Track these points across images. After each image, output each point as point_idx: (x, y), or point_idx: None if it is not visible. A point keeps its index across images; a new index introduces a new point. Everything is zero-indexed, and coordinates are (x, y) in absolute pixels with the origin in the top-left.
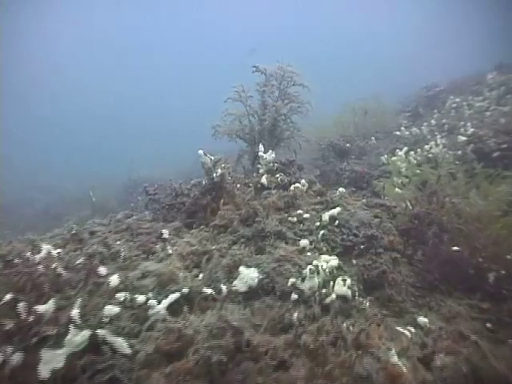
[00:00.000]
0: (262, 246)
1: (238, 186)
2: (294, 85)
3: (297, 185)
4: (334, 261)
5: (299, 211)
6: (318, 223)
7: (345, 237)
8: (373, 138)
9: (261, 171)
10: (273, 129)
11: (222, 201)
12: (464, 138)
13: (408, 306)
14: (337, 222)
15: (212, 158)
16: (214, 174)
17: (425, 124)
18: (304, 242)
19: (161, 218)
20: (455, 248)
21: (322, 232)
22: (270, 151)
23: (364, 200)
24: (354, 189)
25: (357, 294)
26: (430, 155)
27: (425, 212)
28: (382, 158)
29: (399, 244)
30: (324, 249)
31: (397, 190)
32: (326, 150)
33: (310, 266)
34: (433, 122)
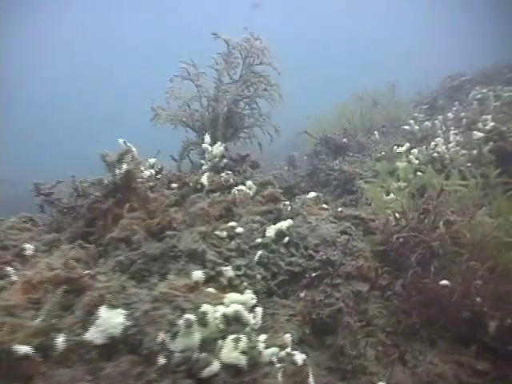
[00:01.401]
0: (163, 271)
1: (166, 185)
2: (260, 63)
3: (241, 187)
4: (236, 305)
5: (232, 223)
6: (260, 239)
7: (294, 259)
8: (376, 132)
9: (204, 168)
10: (229, 115)
11: (127, 206)
12: (481, 135)
13: (367, 364)
14: (287, 238)
15: (132, 148)
16: (118, 171)
17: (439, 117)
18: (197, 275)
19: (54, 226)
20: (445, 282)
21: (260, 253)
22: (219, 143)
23: (339, 209)
24: (340, 193)
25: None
26: (435, 154)
27: (412, 229)
28: (378, 155)
29: (371, 271)
30: (258, 276)
31: (387, 196)
32: (319, 145)
33: (187, 316)
34: (450, 115)
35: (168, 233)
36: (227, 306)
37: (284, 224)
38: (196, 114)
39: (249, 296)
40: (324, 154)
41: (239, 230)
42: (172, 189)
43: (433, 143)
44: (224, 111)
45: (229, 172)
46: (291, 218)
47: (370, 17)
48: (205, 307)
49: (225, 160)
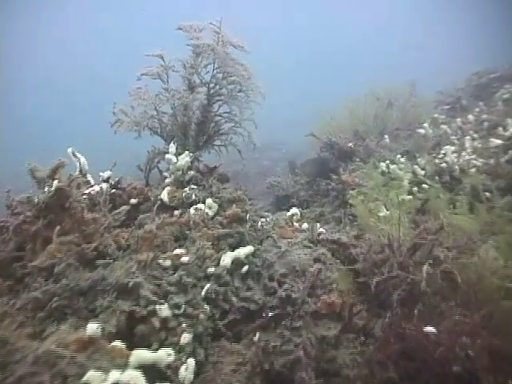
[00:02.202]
0: (91, 308)
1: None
2: (231, 60)
3: (199, 206)
4: (133, 372)
5: (178, 250)
6: (212, 269)
7: (250, 294)
8: (386, 136)
9: (167, 181)
10: (202, 120)
11: (57, 228)
12: (499, 142)
13: None
14: (245, 268)
15: (81, 159)
16: (47, 188)
17: (458, 120)
18: (92, 328)
19: None
20: (430, 329)
21: (207, 286)
22: (185, 153)
23: (319, 229)
24: (339, 205)
25: None
26: (444, 165)
27: (398, 264)
28: (382, 164)
29: (345, 308)
30: (202, 316)
31: (380, 213)
32: (323, 151)
33: None
34: (470, 117)
35: (99, 262)
36: (130, 367)
37: (242, 251)
38: (164, 119)
39: (163, 353)
40: (327, 160)
41: (185, 259)
42: (131, 205)
43: (442, 151)
44: (196, 116)
45: (193, 187)
46: (260, 242)
47: (383, 15)
48: (90, 375)
49: (191, 172)
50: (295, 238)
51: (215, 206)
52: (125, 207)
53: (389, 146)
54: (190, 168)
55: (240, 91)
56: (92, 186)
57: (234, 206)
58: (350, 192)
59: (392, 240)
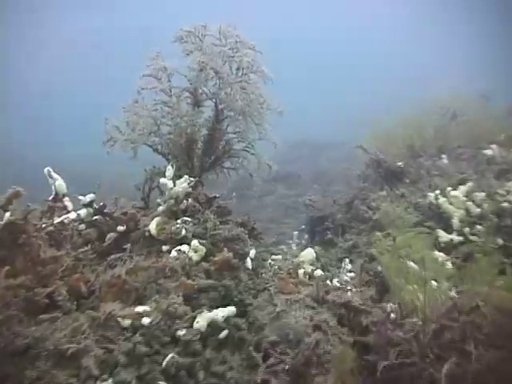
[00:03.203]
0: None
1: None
2: (244, 69)
3: (183, 248)
4: None
5: (141, 308)
6: (182, 332)
7: (223, 369)
8: (443, 155)
9: (159, 209)
10: (210, 139)
11: (5, 269)
12: None
13: None
14: (224, 333)
15: (57, 181)
16: None
17: None
18: None
19: None
20: None
21: (169, 356)
22: (184, 178)
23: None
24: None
25: None
26: (505, 204)
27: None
28: (430, 194)
29: None
30: None
31: (410, 266)
32: (369, 169)
33: None
34: None
35: (43, 317)
36: None
37: (221, 313)
38: (165, 135)
39: None
40: (372, 180)
41: (145, 320)
42: (119, 233)
43: (507, 186)
44: (202, 133)
45: (186, 219)
46: (255, 295)
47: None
48: None
49: (189, 201)
50: (298, 293)
51: (202, 250)
52: (112, 235)
53: (446, 167)
54: (188, 196)
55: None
56: (68, 213)
57: (226, 251)
58: (376, 234)
59: (417, 312)
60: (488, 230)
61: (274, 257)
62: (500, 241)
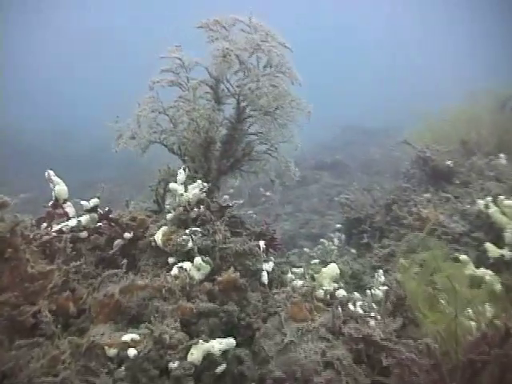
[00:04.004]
0: None
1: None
2: (272, 67)
3: (185, 265)
4: None
5: (128, 336)
6: (174, 365)
7: None
8: (501, 154)
9: (168, 217)
10: (229, 139)
11: None
12: None
13: None
14: (221, 368)
15: (58, 186)
16: None
17: None
18: None
19: None
20: None
21: None
22: (198, 183)
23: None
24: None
25: None
26: None
27: None
28: (480, 201)
29: None
30: None
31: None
32: (414, 166)
33: None
34: None
35: (21, 342)
36: None
37: (218, 345)
38: (180, 134)
39: None
40: (416, 179)
41: (131, 352)
42: (127, 240)
43: None
44: (221, 133)
45: (196, 229)
46: (264, 319)
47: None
48: None
49: (200, 209)
50: (312, 320)
51: (206, 268)
52: (118, 242)
53: (503, 169)
54: (200, 203)
55: (277, 108)
56: (69, 220)
57: (231, 270)
58: (400, 261)
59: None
60: None
61: (294, 270)
62: None
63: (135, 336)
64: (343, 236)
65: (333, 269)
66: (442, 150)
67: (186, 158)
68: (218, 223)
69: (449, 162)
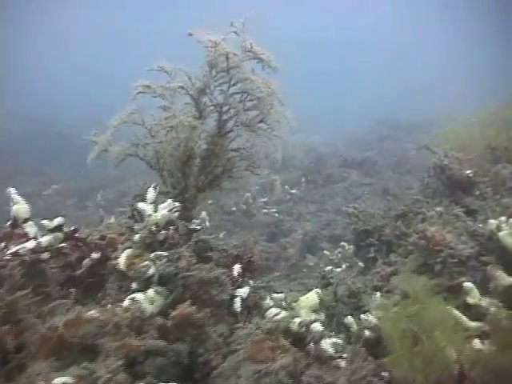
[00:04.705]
0: None
1: None
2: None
3: (138, 297)
4: None
5: (62, 379)
6: None
7: None
8: None
9: (135, 239)
10: (209, 155)
11: None
12: None
13: None
14: None
15: (17, 205)
16: None
17: None
18: None
19: None
20: None
21: None
22: (168, 202)
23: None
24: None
25: None
26: None
27: None
28: (492, 221)
29: None
30: None
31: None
32: (431, 175)
33: None
34: None
35: None
36: None
37: None
38: (158, 146)
39: None
40: (432, 189)
41: None
42: (94, 260)
43: None
44: (200, 148)
45: (161, 254)
46: (223, 358)
47: None
48: None
49: (167, 232)
50: (273, 361)
51: (159, 300)
52: (87, 262)
53: None
54: (171, 224)
55: (261, 121)
56: (28, 241)
57: (187, 303)
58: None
59: None
60: None
61: (274, 295)
62: None
63: (67, 380)
64: (352, 247)
65: (312, 298)
66: (462, 157)
67: (164, 172)
68: (183, 248)
69: (468, 172)
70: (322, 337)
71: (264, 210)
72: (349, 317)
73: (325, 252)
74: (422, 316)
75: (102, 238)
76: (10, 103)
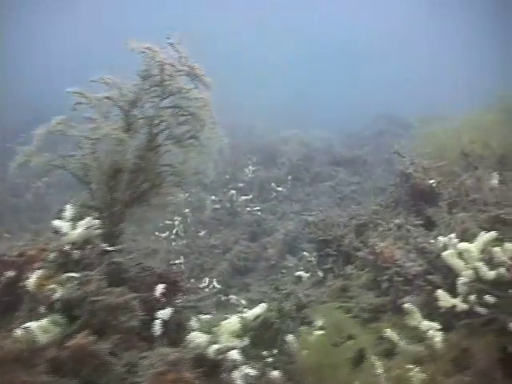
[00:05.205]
0: None
1: None
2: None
3: (32, 325)
4: None
5: None
6: None
7: None
8: (494, 173)
9: (49, 258)
10: (137, 169)
11: None
12: None
13: None
14: None
15: None
16: None
17: None
18: None
19: None
20: None
21: None
22: (87, 220)
23: None
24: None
25: None
26: None
27: None
28: (441, 238)
29: None
30: None
31: None
32: (397, 183)
33: None
34: None
35: None
36: None
37: None
38: (82, 158)
39: None
40: (395, 198)
41: None
42: (9, 278)
43: None
44: (128, 162)
45: (73, 276)
46: None
47: None
48: None
49: (82, 251)
50: None
51: (53, 331)
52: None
53: (495, 191)
54: (87, 243)
55: (193, 137)
56: None
57: (84, 333)
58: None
59: None
60: (500, 303)
61: (201, 316)
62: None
63: None
64: (314, 255)
65: (233, 323)
66: (429, 164)
67: (91, 185)
68: (95, 271)
69: (431, 181)
70: (235, 366)
71: (248, 209)
72: (289, 335)
73: (304, 253)
74: (334, 351)
75: (21, 254)
76: None
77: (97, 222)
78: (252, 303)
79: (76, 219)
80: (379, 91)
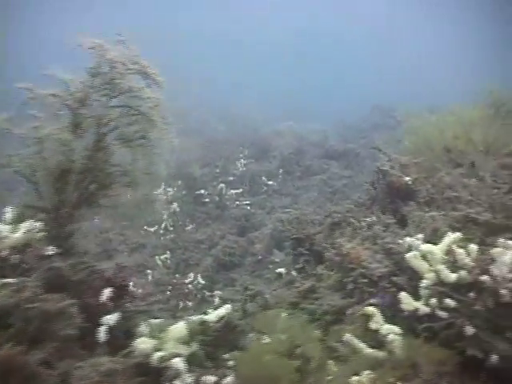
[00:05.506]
0: None
1: None
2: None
3: None
4: None
5: None
6: None
7: None
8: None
9: None
10: (85, 169)
11: None
12: None
13: None
14: None
15: None
16: None
17: None
18: None
19: None
20: None
21: None
22: (28, 223)
23: None
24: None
25: None
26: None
27: None
28: (407, 239)
29: None
30: None
31: None
32: (376, 180)
33: None
34: None
35: None
36: None
37: None
38: (27, 158)
39: None
40: (371, 196)
41: None
42: None
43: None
44: (77, 162)
45: (7, 281)
46: None
47: None
48: None
49: (21, 255)
50: None
51: None
52: None
53: (472, 189)
54: (27, 247)
55: (144, 138)
56: None
57: (10, 344)
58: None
59: None
60: (461, 307)
61: (153, 321)
62: (470, 329)
63: None
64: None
65: (180, 330)
66: (408, 161)
67: (39, 186)
68: (32, 277)
69: (407, 179)
70: (177, 375)
71: (237, 202)
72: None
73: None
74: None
75: None
76: None
77: (39, 224)
78: (224, 302)
79: (20, 221)
80: (377, 84)
